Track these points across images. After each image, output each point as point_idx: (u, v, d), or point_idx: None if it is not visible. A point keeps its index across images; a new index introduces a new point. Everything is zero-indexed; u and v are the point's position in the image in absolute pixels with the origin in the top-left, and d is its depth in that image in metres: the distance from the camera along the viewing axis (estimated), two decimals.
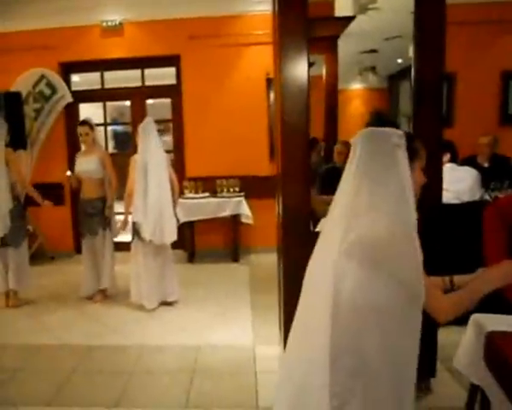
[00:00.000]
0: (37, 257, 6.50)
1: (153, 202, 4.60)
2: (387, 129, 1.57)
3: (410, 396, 1.52)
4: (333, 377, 1.44)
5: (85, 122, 5.12)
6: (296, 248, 2.97)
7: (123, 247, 6.33)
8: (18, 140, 5.67)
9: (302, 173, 2.96)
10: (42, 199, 5.13)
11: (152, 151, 4.65)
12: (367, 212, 1.50)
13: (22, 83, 6.54)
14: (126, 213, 4.95)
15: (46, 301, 5.19)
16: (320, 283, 1.53)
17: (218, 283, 5.62)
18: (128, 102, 7.55)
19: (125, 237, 6.05)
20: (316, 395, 1.47)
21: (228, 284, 5.54)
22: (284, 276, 3.14)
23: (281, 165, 3.01)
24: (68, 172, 5.20)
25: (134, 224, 4.75)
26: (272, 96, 6.39)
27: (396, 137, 1.53)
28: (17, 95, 6.28)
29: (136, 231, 4.75)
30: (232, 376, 3.46)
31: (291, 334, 1.66)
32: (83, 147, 5.21)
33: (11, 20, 6.61)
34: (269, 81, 6.38)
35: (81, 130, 5.04)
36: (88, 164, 5.02)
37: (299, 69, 2.93)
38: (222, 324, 4.41)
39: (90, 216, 5.03)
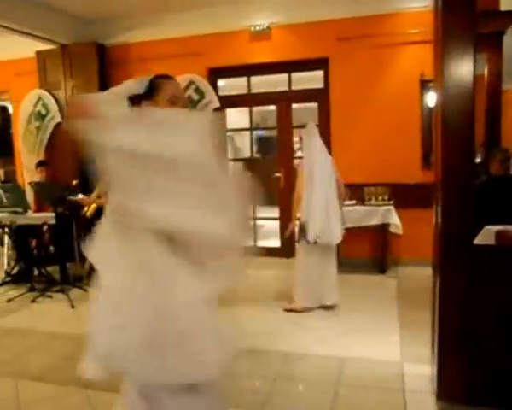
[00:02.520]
0: None
1: (319, 203, 4.67)
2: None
3: None
4: None
5: None
6: (456, 264, 2.77)
7: (271, 252, 6.52)
8: None
9: (466, 183, 2.72)
10: None
11: (316, 154, 4.74)
12: None
13: None
14: (293, 219, 4.97)
15: None
16: None
17: (364, 294, 5.45)
18: (271, 107, 7.68)
19: (271, 242, 6.16)
20: None
21: (374, 296, 5.34)
22: (441, 294, 2.91)
23: (441, 173, 2.80)
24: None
25: (301, 224, 4.81)
26: (426, 98, 6.08)
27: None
28: None
29: (302, 232, 4.81)
30: (379, 391, 3.31)
31: None
32: None
33: (161, 29, 7.07)
34: (422, 83, 6.06)
35: None
36: None
37: (464, 69, 2.70)
38: (367, 336, 4.25)
39: None
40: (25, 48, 7.40)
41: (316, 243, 4.68)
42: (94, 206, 5.96)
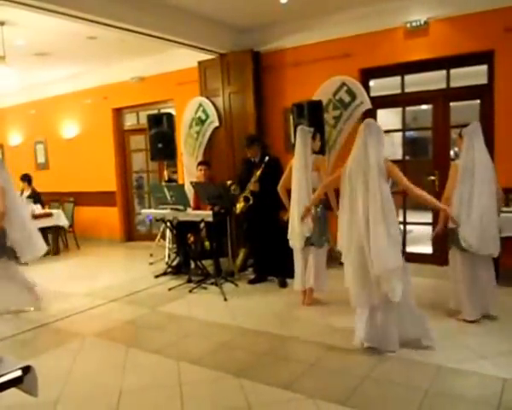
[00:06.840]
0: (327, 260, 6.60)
1: (476, 209, 4.44)
2: None
3: None
4: None
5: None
6: None
7: (421, 258, 6.26)
8: (320, 147, 5.85)
9: None
10: None
11: (480, 156, 4.51)
12: None
13: (323, 91, 6.90)
14: (441, 221, 4.78)
15: (336, 303, 5.25)
16: None
17: None
18: (423, 106, 7.34)
19: (421, 248, 5.88)
20: None
21: None
22: None
23: None
24: None
25: (451, 230, 4.63)
26: None
27: None
28: (318, 103, 6.63)
29: (453, 238, 4.62)
30: None
31: None
32: None
33: (313, 33, 7.15)
34: None
35: None
36: None
37: None
38: None
39: None
40: (186, 59, 8.05)
41: (470, 250, 4.47)
42: (242, 204, 6.24)
